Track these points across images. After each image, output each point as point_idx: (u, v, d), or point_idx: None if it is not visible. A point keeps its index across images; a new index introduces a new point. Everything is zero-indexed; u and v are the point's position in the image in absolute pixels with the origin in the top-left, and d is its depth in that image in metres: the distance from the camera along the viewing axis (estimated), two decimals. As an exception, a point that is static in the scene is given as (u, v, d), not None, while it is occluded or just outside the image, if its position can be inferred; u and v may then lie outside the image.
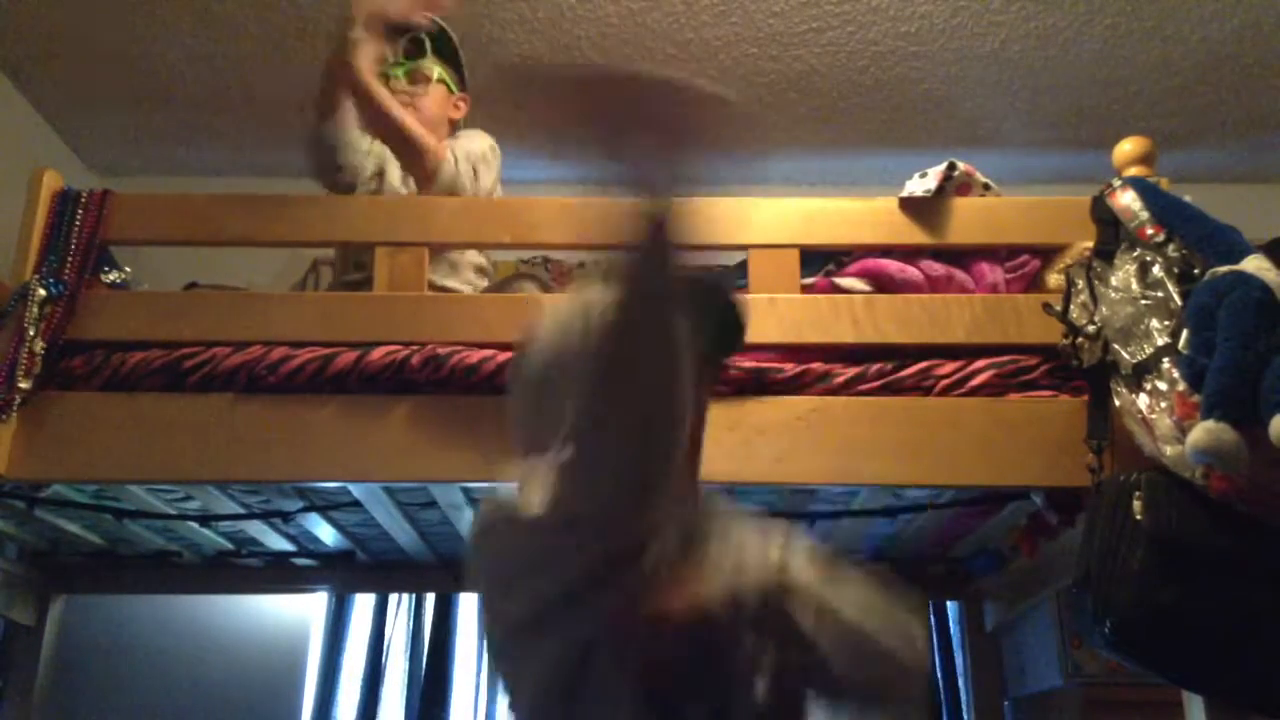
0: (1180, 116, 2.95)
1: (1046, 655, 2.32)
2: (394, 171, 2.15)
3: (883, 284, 1.77)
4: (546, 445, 0.99)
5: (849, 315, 1.73)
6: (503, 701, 2.67)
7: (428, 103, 2.18)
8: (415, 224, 1.86)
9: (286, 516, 2.16)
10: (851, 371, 1.69)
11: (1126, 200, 1.67)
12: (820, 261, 1.83)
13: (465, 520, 2.19)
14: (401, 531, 2.27)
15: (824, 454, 1.64)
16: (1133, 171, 1.76)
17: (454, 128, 2.22)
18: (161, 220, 1.88)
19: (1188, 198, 1.65)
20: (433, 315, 1.75)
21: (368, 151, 2.15)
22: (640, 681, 0.98)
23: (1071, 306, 1.66)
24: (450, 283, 2.06)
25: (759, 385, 1.68)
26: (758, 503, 2.10)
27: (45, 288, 1.72)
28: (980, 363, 1.69)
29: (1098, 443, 1.60)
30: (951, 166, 1.83)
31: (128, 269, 1.95)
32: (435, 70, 2.20)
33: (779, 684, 1.01)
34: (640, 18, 2.64)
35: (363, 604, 2.75)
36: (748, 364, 1.68)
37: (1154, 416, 1.50)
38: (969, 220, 1.82)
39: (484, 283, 2.13)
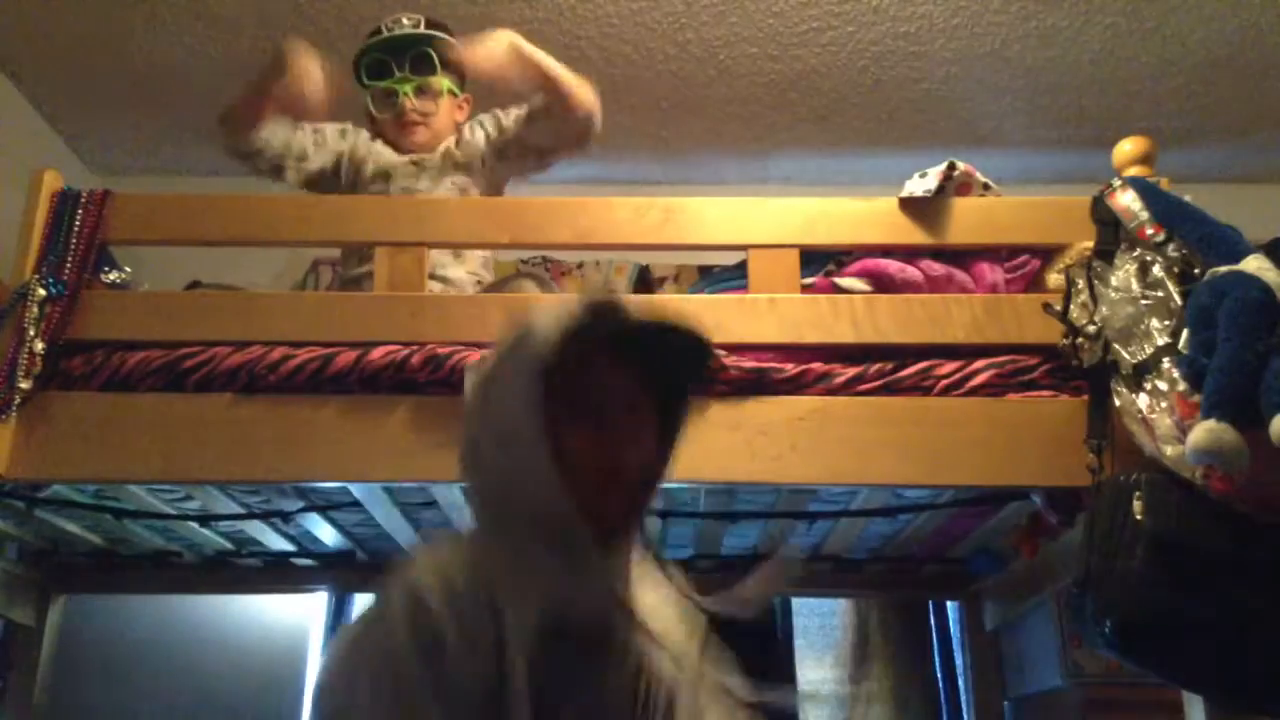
0: (1180, 116, 2.95)
1: (1046, 655, 2.32)
2: (400, 177, 2.15)
3: (883, 284, 1.77)
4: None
5: (849, 315, 1.73)
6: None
7: (438, 119, 2.19)
8: (415, 224, 1.86)
9: (286, 516, 2.16)
10: (851, 371, 1.69)
11: (1126, 200, 1.67)
12: (820, 261, 1.83)
13: (467, 520, 2.19)
14: (401, 531, 2.27)
15: (824, 454, 1.64)
16: (1133, 171, 1.76)
17: (457, 129, 2.22)
18: (161, 220, 1.88)
19: (1188, 198, 1.65)
20: (433, 315, 1.75)
21: (320, 143, 2.16)
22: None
23: (1071, 306, 1.66)
24: (453, 272, 2.05)
25: (759, 385, 1.68)
26: (758, 503, 2.10)
27: (45, 288, 1.72)
28: (980, 363, 1.69)
29: (1098, 443, 1.60)
30: (951, 166, 1.83)
31: (128, 269, 1.95)
32: (444, 84, 2.20)
33: None
34: (640, 18, 2.64)
35: (363, 604, 2.75)
36: (748, 364, 1.68)
37: (1154, 416, 1.50)
38: (969, 220, 1.82)
39: (488, 274, 2.14)
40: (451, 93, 2.21)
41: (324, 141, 2.18)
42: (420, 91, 2.17)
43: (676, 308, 1.02)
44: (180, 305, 1.81)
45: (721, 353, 1.67)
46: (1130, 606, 1.44)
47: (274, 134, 2.11)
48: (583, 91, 2.04)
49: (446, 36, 2.22)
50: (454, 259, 2.07)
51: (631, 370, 1.02)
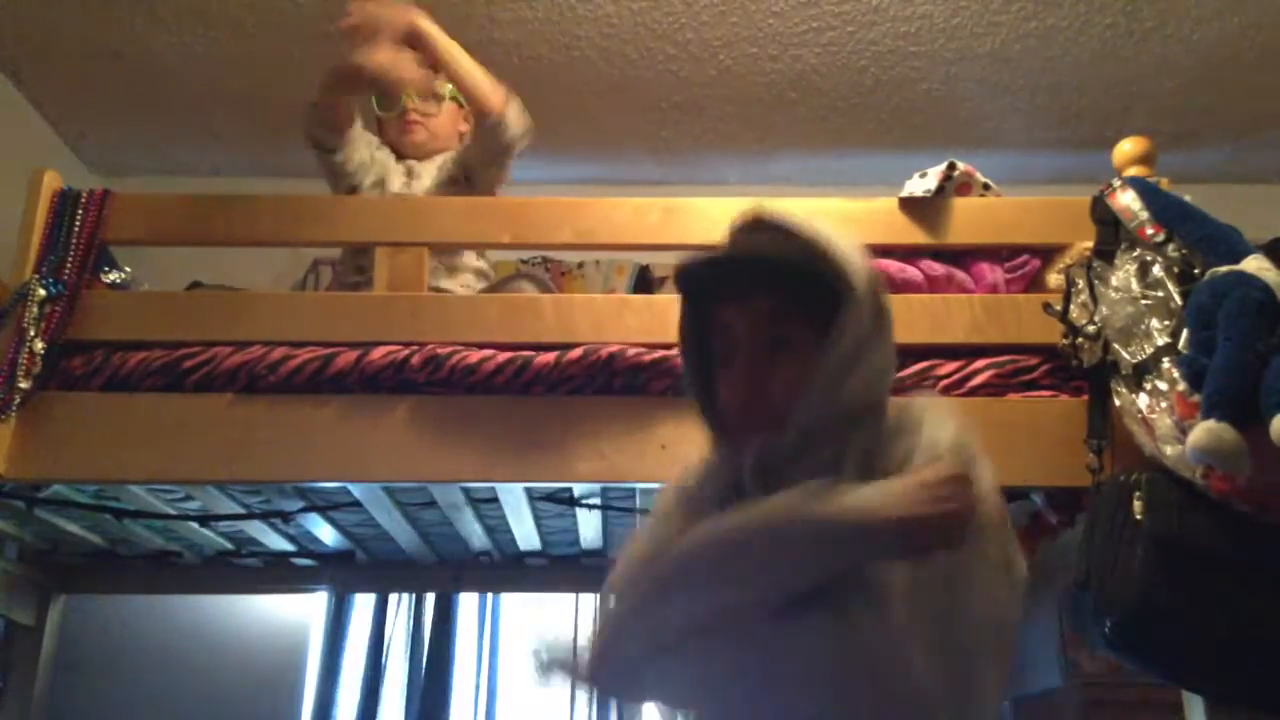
0: (1180, 116, 2.95)
1: (1046, 655, 2.32)
2: (395, 180, 2.15)
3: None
4: None
5: (849, 315, 1.72)
6: (504, 702, 2.67)
7: (439, 121, 2.20)
8: (415, 224, 1.86)
9: (286, 516, 2.16)
10: (851, 371, 1.68)
11: (1126, 200, 1.67)
12: (820, 261, 1.82)
13: (465, 520, 2.19)
14: (401, 531, 2.27)
15: (824, 454, 1.64)
16: (1133, 171, 1.76)
17: (461, 139, 2.23)
18: (161, 220, 1.88)
19: (1188, 198, 1.65)
20: (433, 315, 1.75)
21: (369, 161, 2.15)
22: None
23: (1071, 306, 1.66)
24: (446, 284, 2.06)
25: (759, 385, 1.67)
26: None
27: (45, 288, 1.72)
28: (980, 363, 1.69)
29: (1098, 443, 1.60)
30: (951, 166, 1.83)
31: (128, 269, 1.95)
32: (447, 88, 2.20)
33: None
34: (640, 18, 2.64)
35: (363, 604, 2.75)
36: (748, 364, 1.67)
37: (1154, 416, 1.50)
38: (969, 220, 1.82)
39: (483, 285, 2.13)
40: (455, 100, 2.22)
41: (371, 159, 2.17)
42: (421, 46, 2.17)
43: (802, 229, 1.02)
44: (180, 305, 1.81)
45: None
46: (1130, 606, 1.44)
47: (355, 149, 2.10)
48: (490, 93, 1.98)
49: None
50: (446, 272, 2.07)
51: (755, 304, 1.04)
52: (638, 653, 1.00)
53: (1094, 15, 2.62)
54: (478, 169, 2.09)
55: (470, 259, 2.13)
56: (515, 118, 2.01)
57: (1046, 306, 1.68)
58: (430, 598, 2.72)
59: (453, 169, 2.11)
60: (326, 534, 2.33)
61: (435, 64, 1.96)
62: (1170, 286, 1.55)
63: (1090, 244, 1.70)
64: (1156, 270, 1.58)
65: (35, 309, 1.70)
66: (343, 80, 1.95)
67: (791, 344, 1.03)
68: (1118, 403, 1.58)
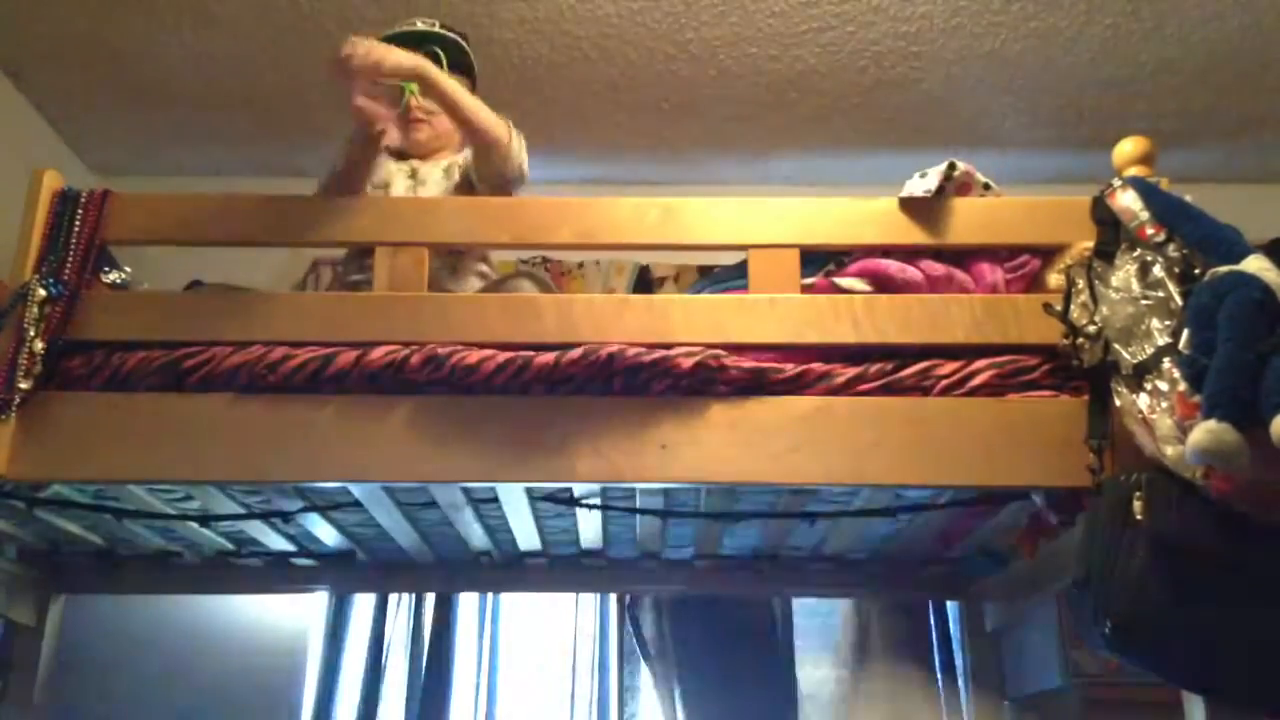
0: (1180, 116, 2.95)
1: (1046, 655, 2.32)
2: (399, 183, 2.16)
3: (883, 284, 1.77)
4: None
5: (849, 315, 1.73)
6: (504, 702, 2.67)
7: (441, 120, 2.19)
8: (415, 224, 1.86)
9: (286, 516, 2.16)
10: (851, 371, 1.69)
11: (1126, 200, 1.67)
12: (820, 261, 1.83)
13: (465, 520, 2.19)
14: (401, 531, 2.27)
15: (824, 454, 1.64)
16: (1133, 171, 1.76)
17: (462, 144, 2.23)
18: (161, 220, 1.88)
19: (1188, 198, 1.65)
20: (433, 315, 1.74)
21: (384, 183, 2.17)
22: None
23: (1072, 306, 1.66)
24: (451, 286, 2.06)
25: (759, 385, 1.68)
26: (758, 503, 2.10)
27: (45, 288, 1.72)
28: (980, 363, 1.69)
29: (1098, 443, 1.60)
30: (951, 166, 1.83)
31: (128, 269, 1.95)
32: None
33: None
34: (640, 18, 2.64)
35: (363, 604, 2.75)
36: (748, 364, 1.68)
37: (1154, 417, 1.50)
38: (969, 220, 1.82)
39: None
40: None
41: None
42: (426, 90, 2.17)
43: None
44: (180, 305, 1.81)
45: (721, 353, 1.68)
46: (1130, 606, 1.44)
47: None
48: (489, 125, 2.01)
49: (460, 40, 2.23)
50: (450, 274, 2.07)
51: None
52: None
53: (1094, 15, 2.62)
54: (481, 188, 2.11)
55: (474, 262, 2.14)
56: (519, 150, 2.03)
57: (1047, 306, 1.69)
58: (430, 598, 2.72)
59: (461, 180, 2.13)
60: (326, 534, 2.33)
61: (443, 105, 2.00)
62: (1170, 286, 1.55)
63: (1090, 244, 1.70)
64: (1157, 270, 1.58)
65: (35, 309, 1.70)
66: (370, 142, 1.99)
67: None
68: (1118, 403, 1.58)
